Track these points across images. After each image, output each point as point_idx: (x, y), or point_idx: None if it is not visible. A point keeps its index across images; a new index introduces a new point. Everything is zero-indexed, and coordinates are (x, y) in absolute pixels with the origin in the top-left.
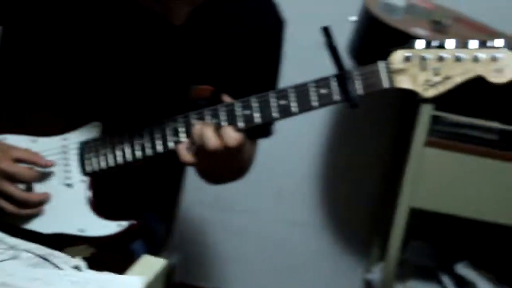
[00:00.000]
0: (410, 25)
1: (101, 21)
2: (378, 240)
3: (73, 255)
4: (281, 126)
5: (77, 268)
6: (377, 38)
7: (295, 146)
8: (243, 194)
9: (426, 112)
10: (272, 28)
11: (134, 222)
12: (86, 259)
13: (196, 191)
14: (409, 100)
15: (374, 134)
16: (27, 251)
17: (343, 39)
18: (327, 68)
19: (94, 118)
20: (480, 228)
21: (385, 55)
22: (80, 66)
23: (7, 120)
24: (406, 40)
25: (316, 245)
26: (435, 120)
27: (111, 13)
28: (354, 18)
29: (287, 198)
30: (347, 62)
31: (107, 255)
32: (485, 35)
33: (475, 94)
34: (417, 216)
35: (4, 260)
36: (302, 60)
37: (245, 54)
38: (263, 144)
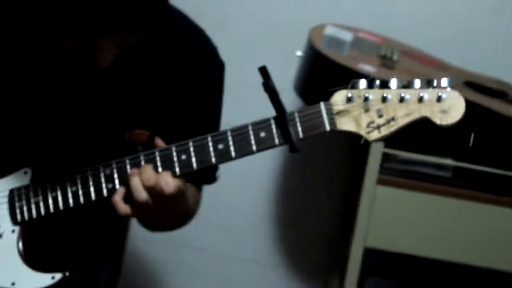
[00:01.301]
0: (357, 61)
1: (29, 64)
2: (335, 278)
3: None
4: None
5: None
6: (322, 74)
7: (247, 181)
8: (195, 231)
9: (377, 150)
10: (210, 71)
11: (67, 273)
12: None
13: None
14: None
15: (329, 169)
16: None
17: (291, 75)
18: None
19: (23, 164)
20: (438, 266)
21: (329, 95)
22: (7, 110)
23: None
24: (353, 77)
25: (271, 283)
26: (386, 157)
27: (38, 55)
28: (300, 53)
29: (240, 235)
30: (292, 100)
31: None
32: (433, 68)
33: (425, 131)
34: (376, 253)
35: None
36: (244, 101)
37: (183, 97)
38: None
